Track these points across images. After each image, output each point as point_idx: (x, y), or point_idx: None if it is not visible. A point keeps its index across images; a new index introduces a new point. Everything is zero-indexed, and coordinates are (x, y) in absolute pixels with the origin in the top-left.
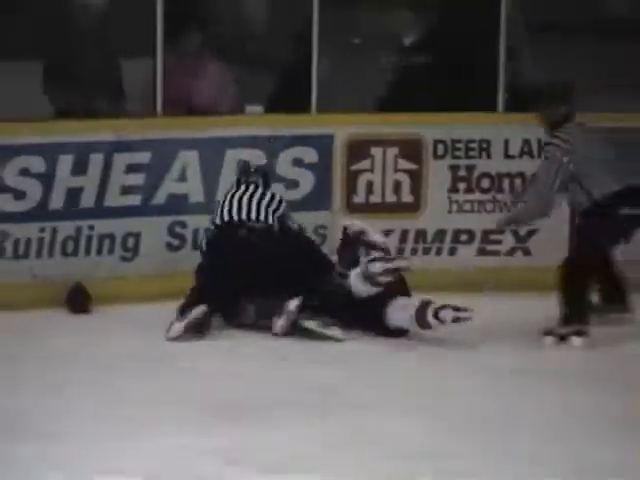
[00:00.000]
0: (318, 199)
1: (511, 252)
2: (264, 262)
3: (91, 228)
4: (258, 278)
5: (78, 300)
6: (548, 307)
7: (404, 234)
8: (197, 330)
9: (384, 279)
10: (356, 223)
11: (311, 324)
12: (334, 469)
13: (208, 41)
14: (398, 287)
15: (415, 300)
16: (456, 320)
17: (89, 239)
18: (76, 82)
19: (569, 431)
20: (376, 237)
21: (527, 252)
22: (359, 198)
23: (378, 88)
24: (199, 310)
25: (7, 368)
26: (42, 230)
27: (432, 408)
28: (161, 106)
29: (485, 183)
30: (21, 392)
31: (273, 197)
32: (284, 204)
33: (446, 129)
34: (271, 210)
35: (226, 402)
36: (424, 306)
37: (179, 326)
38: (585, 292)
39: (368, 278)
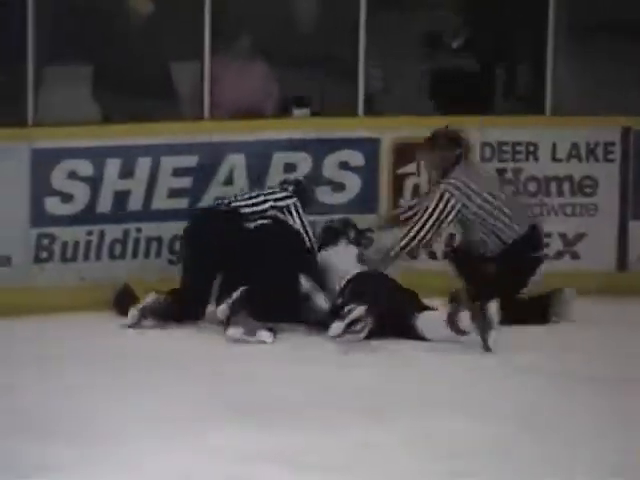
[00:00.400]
0: (364, 202)
1: (559, 256)
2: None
3: (138, 231)
4: (223, 269)
5: (126, 303)
6: (594, 311)
7: (451, 238)
8: (154, 316)
9: (359, 328)
10: (304, 282)
11: (237, 333)
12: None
13: (256, 43)
14: (416, 304)
15: (439, 311)
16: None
17: (137, 242)
18: (126, 86)
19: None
20: (320, 301)
21: (575, 256)
22: (405, 201)
23: (424, 91)
24: (150, 297)
25: (57, 370)
26: (90, 233)
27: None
28: (208, 109)
29: (532, 187)
30: (69, 394)
31: (278, 192)
32: (291, 200)
33: (493, 132)
34: (269, 198)
35: (274, 405)
36: (453, 314)
37: (133, 312)
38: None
39: (342, 335)
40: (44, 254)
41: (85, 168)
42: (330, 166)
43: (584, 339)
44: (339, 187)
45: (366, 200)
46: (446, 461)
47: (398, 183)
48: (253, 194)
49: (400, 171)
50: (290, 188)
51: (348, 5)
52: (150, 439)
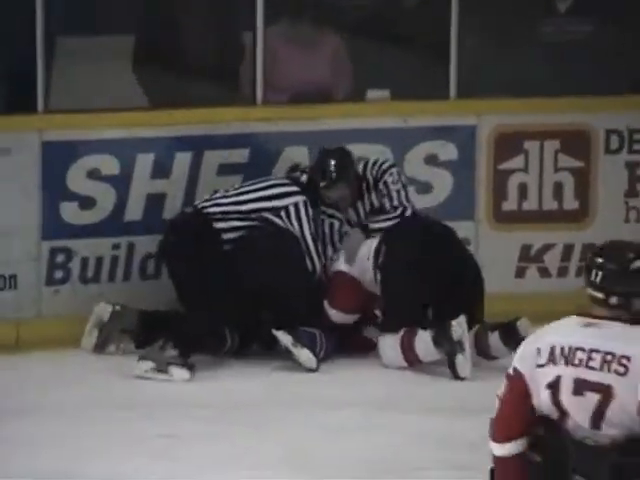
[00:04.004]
0: (458, 206)
1: None
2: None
3: None
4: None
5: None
6: None
7: (567, 250)
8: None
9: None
10: (282, 336)
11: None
12: None
13: (323, 15)
14: None
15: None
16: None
17: None
18: (168, 63)
19: None
20: (304, 357)
21: None
22: (509, 205)
23: (533, 67)
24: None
25: (82, 415)
26: (116, 247)
27: None
28: (262, 93)
29: None
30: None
31: (281, 185)
32: (294, 199)
33: (622, 116)
34: (264, 195)
35: (364, 462)
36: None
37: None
38: None
39: None
40: (59, 274)
41: (110, 165)
42: (414, 161)
43: None
44: (425, 187)
45: (460, 203)
46: None
47: (500, 181)
48: (246, 188)
49: (502, 166)
50: (302, 178)
51: None
52: None
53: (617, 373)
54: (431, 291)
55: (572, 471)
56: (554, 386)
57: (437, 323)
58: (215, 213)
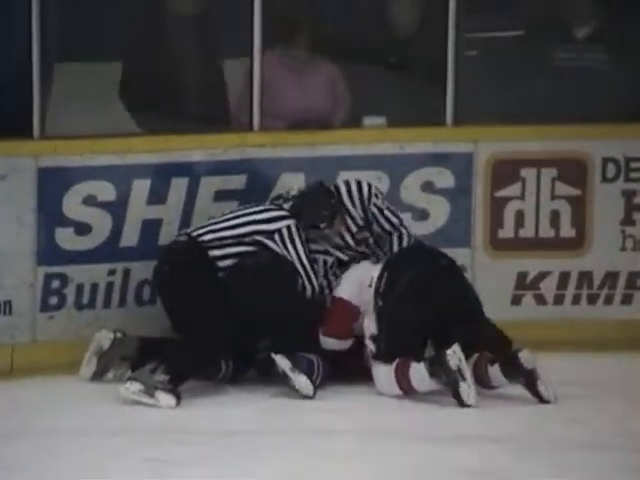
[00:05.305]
0: (454, 233)
1: None
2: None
3: None
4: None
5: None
6: None
7: (564, 278)
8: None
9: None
10: (281, 360)
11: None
12: None
13: (319, 42)
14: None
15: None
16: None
17: None
18: (159, 89)
19: None
20: (301, 384)
21: None
22: (506, 232)
23: (531, 93)
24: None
25: (78, 440)
26: (112, 273)
27: None
28: (259, 119)
29: None
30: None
31: (270, 210)
32: (284, 223)
33: (618, 145)
34: (254, 219)
35: None
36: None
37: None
38: None
39: None
40: (54, 299)
41: (106, 192)
42: (411, 188)
43: None
44: (422, 214)
45: (457, 230)
46: None
47: (497, 209)
48: (237, 213)
49: (499, 194)
50: (285, 206)
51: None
52: None
53: None
54: (430, 322)
55: None
56: None
57: (432, 354)
58: (210, 240)
